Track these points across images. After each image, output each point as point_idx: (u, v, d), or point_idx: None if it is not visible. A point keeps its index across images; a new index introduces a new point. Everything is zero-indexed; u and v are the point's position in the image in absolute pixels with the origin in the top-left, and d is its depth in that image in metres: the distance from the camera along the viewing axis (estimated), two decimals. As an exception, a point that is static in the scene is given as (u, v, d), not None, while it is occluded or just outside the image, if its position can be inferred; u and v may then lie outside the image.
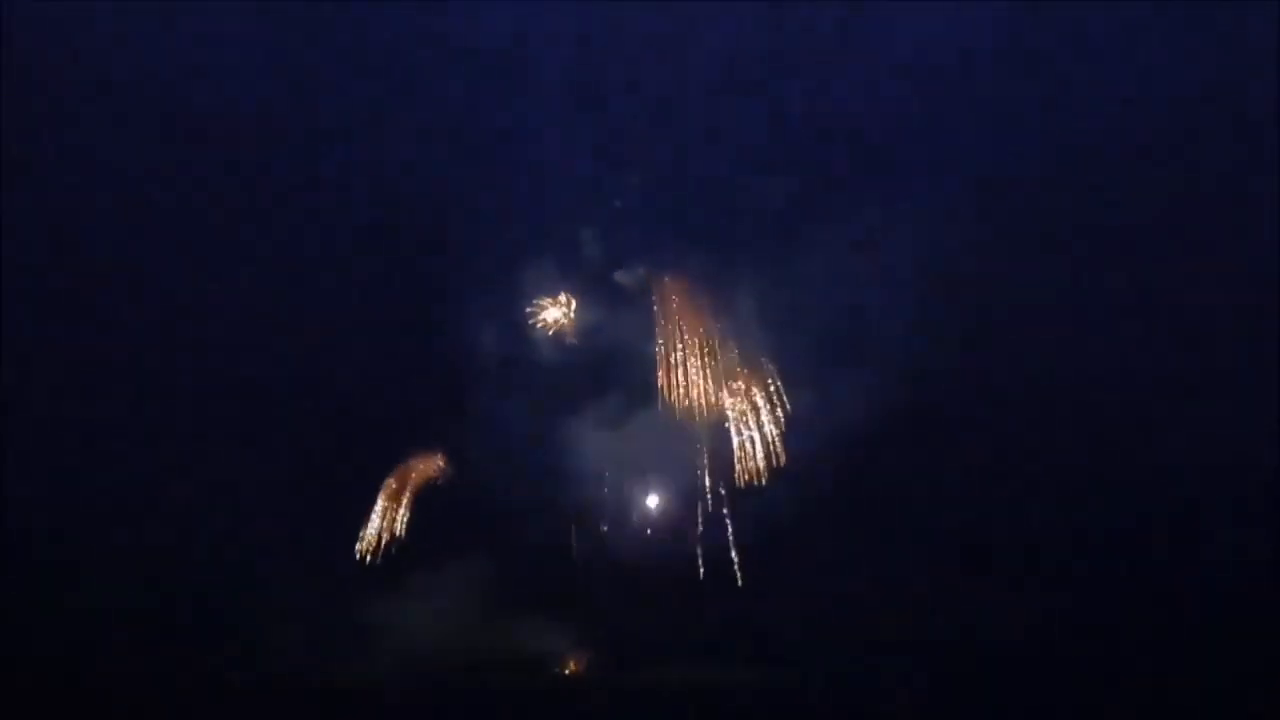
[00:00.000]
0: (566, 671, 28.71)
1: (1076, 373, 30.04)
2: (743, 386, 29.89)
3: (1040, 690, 25.08)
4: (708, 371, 30.25)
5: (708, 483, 29.77)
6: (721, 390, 30.09)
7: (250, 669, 27.01)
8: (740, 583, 28.51)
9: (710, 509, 29.38)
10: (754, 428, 29.51)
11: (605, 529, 29.71)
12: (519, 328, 32.45)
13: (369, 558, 30.07)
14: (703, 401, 30.13)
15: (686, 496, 30.05)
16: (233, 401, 30.95)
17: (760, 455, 29.33)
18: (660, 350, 30.80)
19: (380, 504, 30.56)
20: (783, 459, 29.17)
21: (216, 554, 29.04)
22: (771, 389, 29.79)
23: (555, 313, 32.67)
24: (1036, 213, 31.52)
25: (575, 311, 32.69)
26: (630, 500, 30.60)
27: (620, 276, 32.85)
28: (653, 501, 30.70)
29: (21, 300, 30.27)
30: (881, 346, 29.31)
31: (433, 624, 28.09)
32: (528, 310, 32.53)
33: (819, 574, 28.50)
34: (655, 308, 31.44)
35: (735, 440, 29.58)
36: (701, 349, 30.48)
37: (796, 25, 33.13)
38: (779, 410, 29.57)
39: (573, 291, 32.82)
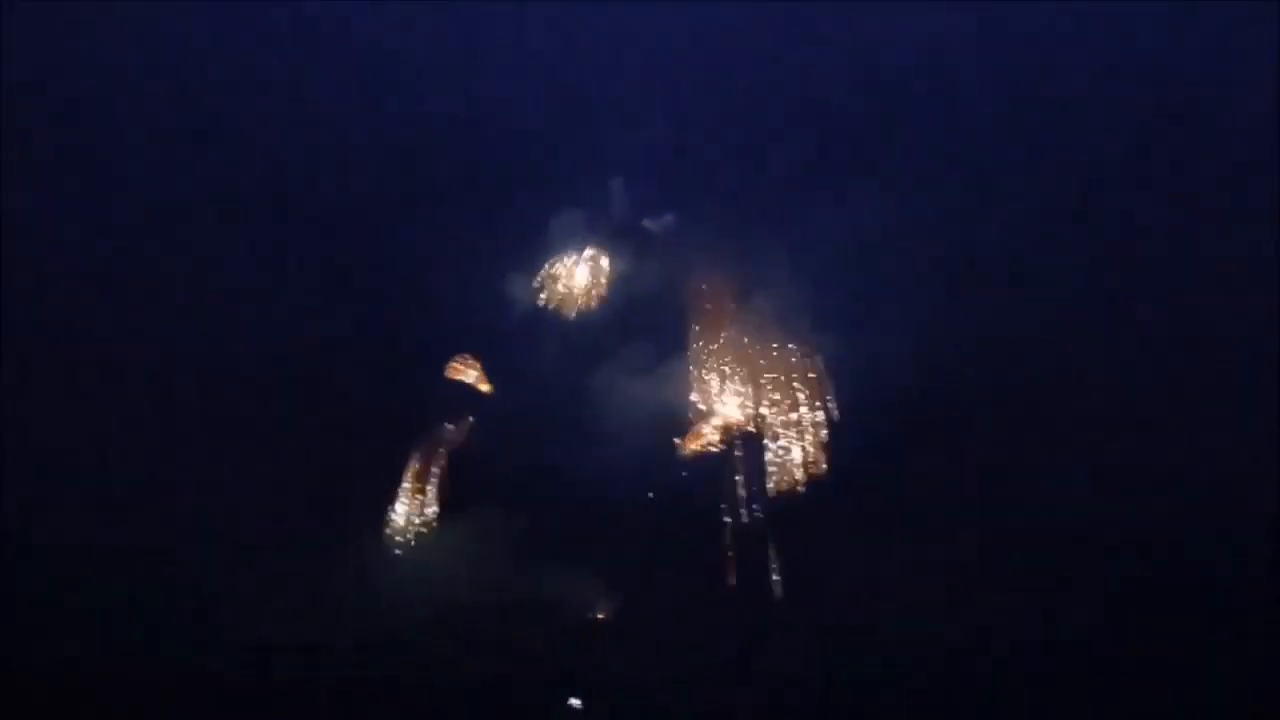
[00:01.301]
0: (596, 618, 28.70)
1: (1080, 373, 30.10)
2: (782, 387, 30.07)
3: (1043, 691, 25.25)
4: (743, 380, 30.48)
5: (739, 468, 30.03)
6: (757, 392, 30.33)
7: (279, 628, 26.96)
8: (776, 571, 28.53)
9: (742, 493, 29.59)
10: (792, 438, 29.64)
11: (636, 485, 29.59)
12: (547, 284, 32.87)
13: (403, 527, 30.11)
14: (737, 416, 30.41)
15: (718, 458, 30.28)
16: (255, 382, 30.89)
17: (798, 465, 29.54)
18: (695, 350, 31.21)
19: (410, 471, 30.49)
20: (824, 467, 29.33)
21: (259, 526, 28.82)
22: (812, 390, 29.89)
23: (582, 275, 32.59)
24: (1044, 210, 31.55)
25: (607, 265, 32.91)
26: (662, 452, 30.49)
27: (649, 224, 33.02)
28: (684, 455, 30.67)
29: (21, 300, 30.28)
30: (882, 345, 29.42)
31: (464, 574, 28.12)
32: (545, 277, 32.68)
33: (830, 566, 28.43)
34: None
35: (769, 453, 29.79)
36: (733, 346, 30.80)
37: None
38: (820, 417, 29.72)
39: (601, 246, 33.06)
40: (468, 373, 32.23)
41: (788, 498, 29.05)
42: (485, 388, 32.25)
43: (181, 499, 28.56)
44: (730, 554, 28.35)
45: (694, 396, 30.87)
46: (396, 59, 33.50)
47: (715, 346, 31.22)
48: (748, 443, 29.96)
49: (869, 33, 33.10)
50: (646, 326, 31.74)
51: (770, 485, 29.30)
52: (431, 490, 30.33)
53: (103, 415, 29.76)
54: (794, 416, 29.81)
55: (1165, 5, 32.65)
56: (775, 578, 27.86)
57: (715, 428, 30.37)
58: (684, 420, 30.65)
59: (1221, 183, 31.20)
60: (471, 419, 31.55)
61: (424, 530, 29.92)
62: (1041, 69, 32.60)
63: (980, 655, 25.59)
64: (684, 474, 29.92)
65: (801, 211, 31.13)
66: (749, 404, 30.44)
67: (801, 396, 29.96)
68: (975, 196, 31.12)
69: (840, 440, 29.23)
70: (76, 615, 26.44)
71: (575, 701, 25.82)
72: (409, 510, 30.03)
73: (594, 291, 32.88)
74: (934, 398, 29.30)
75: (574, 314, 32.70)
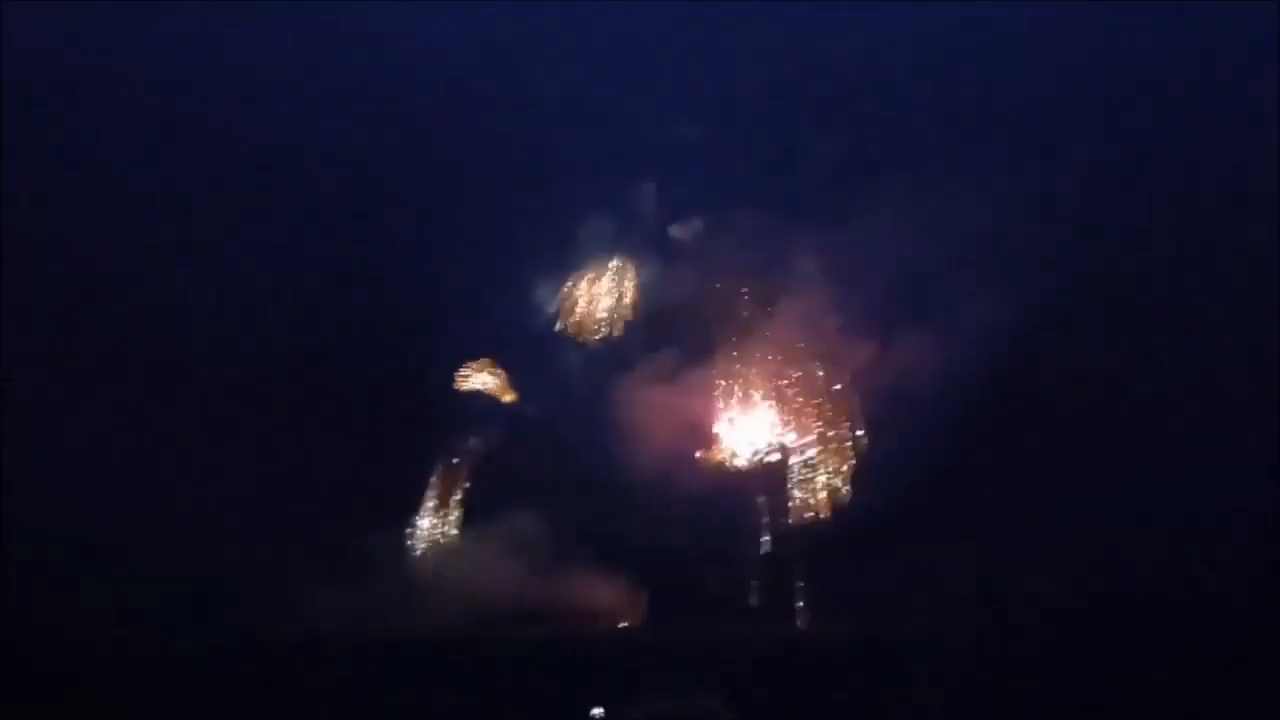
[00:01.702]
0: (621, 625, 28.86)
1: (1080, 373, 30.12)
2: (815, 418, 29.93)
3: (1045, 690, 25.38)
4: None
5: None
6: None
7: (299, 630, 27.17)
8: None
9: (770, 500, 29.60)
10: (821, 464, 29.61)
11: (656, 497, 29.53)
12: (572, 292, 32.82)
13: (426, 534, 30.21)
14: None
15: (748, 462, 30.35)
16: (277, 389, 30.72)
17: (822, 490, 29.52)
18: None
19: (433, 478, 30.71)
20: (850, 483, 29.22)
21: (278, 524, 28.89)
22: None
23: (608, 283, 32.19)
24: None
25: (633, 273, 32.74)
26: (683, 465, 30.54)
27: (675, 231, 32.69)
28: (710, 462, 30.69)
29: (21, 300, 30.11)
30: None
31: (487, 578, 28.33)
32: (571, 285, 32.38)
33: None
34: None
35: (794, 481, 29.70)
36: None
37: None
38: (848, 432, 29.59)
39: (628, 253, 32.77)
40: (490, 380, 32.19)
41: (811, 514, 29.10)
42: (508, 396, 32.23)
43: (207, 507, 28.64)
44: (751, 568, 28.47)
45: (718, 408, 30.79)
46: (408, 58, 33.17)
47: (742, 358, 31.05)
48: (772, 457, 29.97)
49: (901, 29, 32.65)
50: (672, 336, 31.66)
51: (794, 501, 29.33)
52: (454, 498, 30.43)
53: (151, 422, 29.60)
54: (821, 432, 29.71)
55: (1167, 5, 32.45)
56: (796, 594, 28.01)
57: (739, 441, 30.31)
58: (707, 433, 30.65)
59: (1222, 183, 31.18)
60: (494, 427, 31.60)
61: (446, 537, 30.04)
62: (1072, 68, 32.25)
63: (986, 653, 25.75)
64: (705, 487, 29.97)
65: (835, 217, 30.84)
66: (775, 417, 30.34)
67: (829, 411, 29.84)
68: (1024, 199, 30.29)
69: (869, 455, 29.23)
70: (88, 615, 26.56)
71: (598, 711, 25.97)
72: (431, 517, 30.14)
73: (620, 299, 32.70)
74: (965, 408, 28.74)
75: (599, 323, 32.55)
